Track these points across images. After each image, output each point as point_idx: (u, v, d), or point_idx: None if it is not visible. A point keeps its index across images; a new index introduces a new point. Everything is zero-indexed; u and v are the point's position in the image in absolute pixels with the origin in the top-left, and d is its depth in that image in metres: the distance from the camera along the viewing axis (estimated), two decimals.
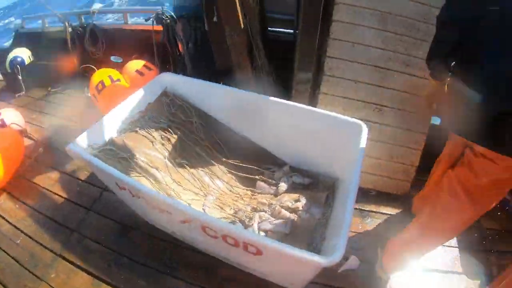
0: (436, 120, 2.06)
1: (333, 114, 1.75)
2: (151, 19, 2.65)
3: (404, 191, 2.10)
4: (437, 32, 1.29)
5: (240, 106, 1.97)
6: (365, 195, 2.10)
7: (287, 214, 1.77)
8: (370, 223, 1.99)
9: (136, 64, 3.03)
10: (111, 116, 1.88)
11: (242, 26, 2.08)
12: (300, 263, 1.25)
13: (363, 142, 1.61)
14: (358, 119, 1.72)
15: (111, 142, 1.82)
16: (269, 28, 2.58)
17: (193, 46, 2.55)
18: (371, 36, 1.95)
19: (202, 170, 2.02)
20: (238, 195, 1.96)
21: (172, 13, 2.58)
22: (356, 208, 2.03)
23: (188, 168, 1.99)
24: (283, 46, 2.41)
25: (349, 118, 1.72)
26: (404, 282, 1.68)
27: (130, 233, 1.93)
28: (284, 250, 1.19)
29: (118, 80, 2.83)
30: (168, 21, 2.59)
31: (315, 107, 2.00)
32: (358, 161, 1.51)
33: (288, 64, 2.23)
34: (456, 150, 1.55)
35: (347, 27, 1.97)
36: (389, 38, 1.95)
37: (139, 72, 2.96)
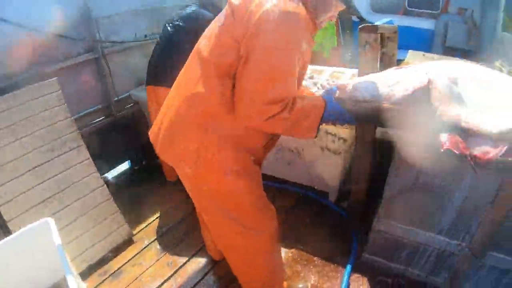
0: None
1: (16, 233, 1.84)
2: None
3: (128, 234, 2.54)
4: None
5: None
6: (105, 261, 2.37)
7: None
8: (125, 277, 2.28)
9: None
10: None
11: None
12: None
13: (56, 234, 1.81)
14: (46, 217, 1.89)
15: None
16: None
17: None
18: (14, 149, 2.11)
19: None
20: None
21: None
22: (106, 278, 2.28)
23: None
24: None
25: (33, 224, 1.87)
26: None
27: None
28: None
29: None
30: None
31: None
32: (61, 252, 1.71)
33: None
34: None
35: None
36: (28, 141, 2.17)
37: None
